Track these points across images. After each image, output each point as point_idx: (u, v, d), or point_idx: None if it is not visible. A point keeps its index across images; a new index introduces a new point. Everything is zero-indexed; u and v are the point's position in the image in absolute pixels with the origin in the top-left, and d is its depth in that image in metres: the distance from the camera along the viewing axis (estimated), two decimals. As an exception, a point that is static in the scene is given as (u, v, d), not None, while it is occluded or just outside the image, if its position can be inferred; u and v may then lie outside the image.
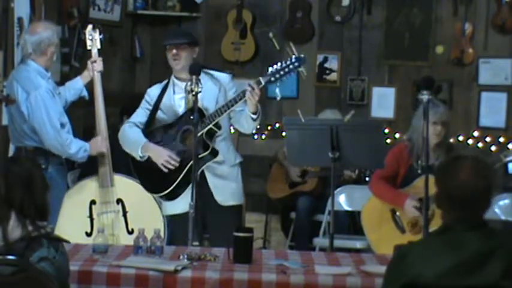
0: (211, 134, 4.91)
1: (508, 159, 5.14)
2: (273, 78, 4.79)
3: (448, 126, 5.28)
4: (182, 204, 4.84)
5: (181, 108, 5.04)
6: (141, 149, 5.00)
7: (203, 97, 4.95)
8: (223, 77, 5.12)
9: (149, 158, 5.02)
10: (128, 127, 5.12)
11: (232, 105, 4.84)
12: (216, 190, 4.99)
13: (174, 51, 5.00)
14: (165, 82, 5.16)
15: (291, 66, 4.79)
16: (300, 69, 4.83)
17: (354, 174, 6.42)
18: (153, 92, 5.16)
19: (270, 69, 4.81)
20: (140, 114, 5.14)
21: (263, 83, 4.78)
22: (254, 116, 4.86)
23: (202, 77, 5.02)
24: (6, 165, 3.22)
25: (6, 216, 3.09)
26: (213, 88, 5.02)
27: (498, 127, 6.98)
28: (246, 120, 4.93)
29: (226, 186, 5.03)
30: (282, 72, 4.78)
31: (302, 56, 4.84)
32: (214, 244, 4.71)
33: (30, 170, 3.20)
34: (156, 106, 5.10)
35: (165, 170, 4.96)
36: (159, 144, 5.02)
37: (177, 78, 5.09)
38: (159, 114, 5.09)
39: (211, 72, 5.12)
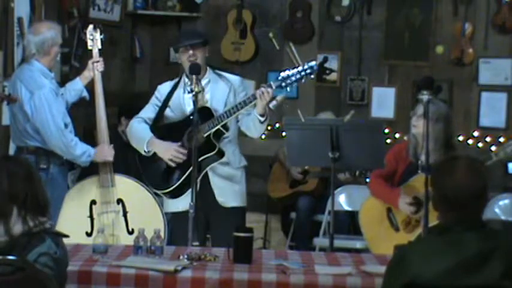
0: (218, 135, 4.92)
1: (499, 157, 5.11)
2: (283, 84, 4.77)
3: (449, 124, 5.18)
4: (184, 202, 4.83)
5: (189, 108, 5.01)
6: (146, 144, 5.01)
7: (212, 98, 4.95)
8: (234, 79, 5.13)
9: (155, 153, 5.02)
10: (136, 123, 5.13)
11: (242, 107, 4.83)
12: (218, 191, 5.00)
13: (191, 51, 4.97)
14: (176, 80, 5.16)
15: (302, 73, 4.77)
16: (311, 76, 4.82)
17: (348, 176, 6.40)
18: (164, 89, 5.16)
19: (282, 74, 4.79)
20: (149, 110, 5.16)
21: (274, 87, 4.77)
22: (262, 119, 4.83)
23: (213, 77, 5.04)
24: (6, 163, 3.25)
25: (9, 212, 3.12)
26: (224, 89, 5.03)
27: (498, 127, 6.98)
28: (253, 123, 4.90)
29: (228, 188, 5.03)
30: (293, 78, 4.76)
31: (314, 63, 4.79)
32: (216, 244, 4.72)
33: (29, 166, 3.25)
34: (165, 103, 5.10)
35: (173, 165, 4.96)
36: (165, 141, 5.01)
37: (188, 77, 5.04)
38: (168, 112, 5.09)
39: (222, 73, 5.13)
